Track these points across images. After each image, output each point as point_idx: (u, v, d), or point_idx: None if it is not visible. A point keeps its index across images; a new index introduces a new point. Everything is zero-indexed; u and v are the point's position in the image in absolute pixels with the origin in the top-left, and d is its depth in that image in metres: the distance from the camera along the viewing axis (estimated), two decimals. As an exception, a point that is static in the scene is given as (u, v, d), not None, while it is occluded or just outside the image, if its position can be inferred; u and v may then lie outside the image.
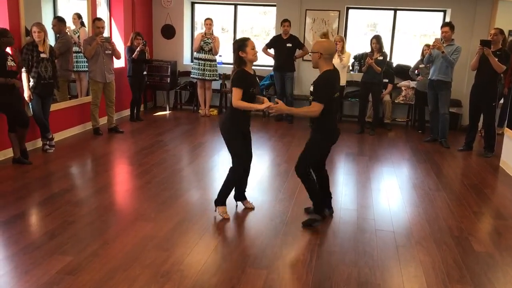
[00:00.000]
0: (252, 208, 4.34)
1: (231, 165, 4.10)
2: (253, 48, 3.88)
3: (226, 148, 4.10)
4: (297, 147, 6.57)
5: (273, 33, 9.04)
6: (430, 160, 6.34)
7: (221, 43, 8.59)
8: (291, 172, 5.39)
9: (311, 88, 3.88)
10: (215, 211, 4.16)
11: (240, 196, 4.38)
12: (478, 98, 6.57)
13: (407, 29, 9.53)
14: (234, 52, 3.90)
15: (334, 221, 4.15)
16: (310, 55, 3.88)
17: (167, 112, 9.14)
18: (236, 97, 3.85)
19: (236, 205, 4.36)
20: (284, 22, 8.11)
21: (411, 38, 9.79)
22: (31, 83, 5.60)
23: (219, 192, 4.15)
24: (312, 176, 4.01)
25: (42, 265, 3.17)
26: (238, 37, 9.56)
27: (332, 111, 3.89)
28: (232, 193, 4.27)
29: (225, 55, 9.39)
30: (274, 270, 3.24)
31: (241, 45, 3.86)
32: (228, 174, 4.11)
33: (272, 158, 6.20)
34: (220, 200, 4.15)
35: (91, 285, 2.96)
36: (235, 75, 3.89)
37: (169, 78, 9.07)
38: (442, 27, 7.01)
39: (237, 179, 4.15)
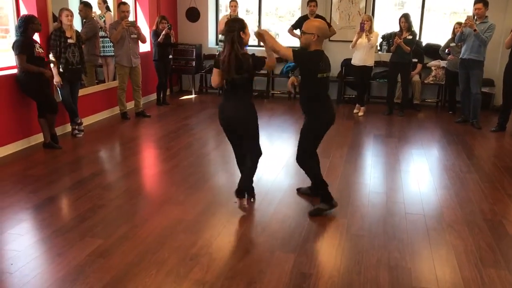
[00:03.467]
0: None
1: (255, 152, 3.97)
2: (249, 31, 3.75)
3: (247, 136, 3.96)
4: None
5: (298, 14, 8.92)
6: (461, 141, 6.18)
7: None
8: (318, 155, 5.32)
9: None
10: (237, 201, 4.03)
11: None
12: (513, 77, 6.35)
13: (437, 7, 9.25)
14: (234, 31, 3.59)
15: (363, 204, 4.10)
16: (301, 32, 3.73)
17: (193, 96, 9.16)
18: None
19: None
20: (310, 2, 7.96)
21: (441, 16, 9.51)
22: (60, 69, 5.67)
23: (248, 182, 4.02)
24: (314, 163, 3.92)
25: (74, 247, 3.23)
26: (263, 19, 9.48)
27: (322, 92, 3.75)
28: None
29: (251, 37, 9.31)
30: (303, 254, 3.22)
31: (243, 26, 3.65)
32: (253, 163, 3.97)
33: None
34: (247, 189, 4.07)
35: (121, 267, 3.00)
36: (256, 57, 3.72)
37: (194, 62, 9.06)
38: (475, 3, 6.75)
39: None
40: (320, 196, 3.94)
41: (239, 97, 3.78)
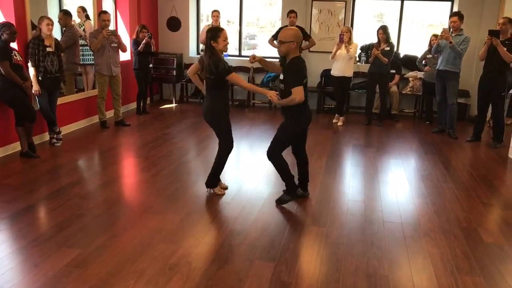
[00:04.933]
0: (226, 188, 4.59)
1: (220, 150, 4.35)
2: (225, 39, 4.05)
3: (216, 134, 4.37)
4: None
5: (279, 25, 9.00)
6: (438, 151, 6.29)
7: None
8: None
9: (281, 77, 4.04)
10: (208, 191, 4.48)
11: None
12: (487, 88, 6.51)
13: (414, 19, 9.45)
14: (206, 39, 4.04)
15: (342, 212, 4.14)
16: (278, 44, 3.99)
17: (173, 105, 9.14)
18: (241, 80, 4.19)
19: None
20: (290, 13, 8.05)
21: (418, 28, 9.71)
22: (39, 78, 5.61)
23: (210, 176, 4.44)
24: (282, 159, 4.15)
25: (51, 258, 3.19)
26: (244, 29, 9.55)
27: (305, 97, 3.95)
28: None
29: (231, 47, 9.37)
30: (282, 262, 3.24)
31: (214, 35, 4.01)
32: (218, 159, 4.38)
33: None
34: (214, 183, 4.45)
35: (100, 278, 2.97)
36: (221, 64, 4.02)
37: (175, 71, 9.06)
38: (450, 16, 6.93)
39: (226, 158, 4.43)
40: (286, 187, 4.27)
41: (210, 97, 4.22)
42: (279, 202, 4.26)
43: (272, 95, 3.99)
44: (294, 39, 3.85)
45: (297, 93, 3.83)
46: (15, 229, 3.62)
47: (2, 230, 3.63)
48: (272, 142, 4.14)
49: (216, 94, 4.18)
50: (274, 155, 4.13)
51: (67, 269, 3.05)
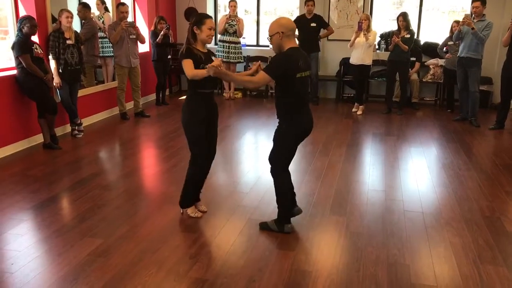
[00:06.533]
0: (205, 211, 3.86)
1: (189, 167, 3.74)
2: (210, 28, 3.47)
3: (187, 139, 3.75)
4: (323, 128, 6.51)
5: (297, 14, 8.92)
6: (460, 139, 6.19)
7: (244, 25, 8.53)
8: (317, 153, 5.35)
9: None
10: (182, 213, 3.80)
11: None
12: (511, 75, 6.36)
13: (435, 6, 9.27)
14: (190, 25, 3.53)
15: (361, 202, 4.12)
16: (268, 39, 3.34)
17: (192, 95, 9.15)
18: (188, 69, 3.46)
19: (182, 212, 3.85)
20: (308, 2, 7.97)
21: (439, 15, 9.53)
22: (59, 70, 5.68)
23: (182, 194, 3.76)
24: (287, 180, 3.54)
25: (74, 247, 3.25)
26: (261, 19, 9.50)
27: (299, 94, 3.31)
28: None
29: (249, 37, 9.33)
30: (302, 251, 3.24)
31: (199, 20, 3.47)
32: (187, 176, 3.73)
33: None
34: (186, 202, 3.77)
35: (121, 267, 3.02)
36: (181, 51, 3.52)
37: (193, 62, 9.05)
38: (473, 2, 6.77)
39: (198, 177, 3.77)
40: (277, 215, 3.56)
41: (187, 94, 3.69)
42: (262, 225, 3.60)
43: (214, 63, 3.22)
44: (278, 29, 3.21)
45: (259, 77, 3.25)
46: (39, 219, 3.70)
47: (27, 220, 3.71)
48: (272, 157, 3.53)
49: (192, 91, 3.62)
50: (277, 172, 3.50)
51: (90, 258, 3.10)
